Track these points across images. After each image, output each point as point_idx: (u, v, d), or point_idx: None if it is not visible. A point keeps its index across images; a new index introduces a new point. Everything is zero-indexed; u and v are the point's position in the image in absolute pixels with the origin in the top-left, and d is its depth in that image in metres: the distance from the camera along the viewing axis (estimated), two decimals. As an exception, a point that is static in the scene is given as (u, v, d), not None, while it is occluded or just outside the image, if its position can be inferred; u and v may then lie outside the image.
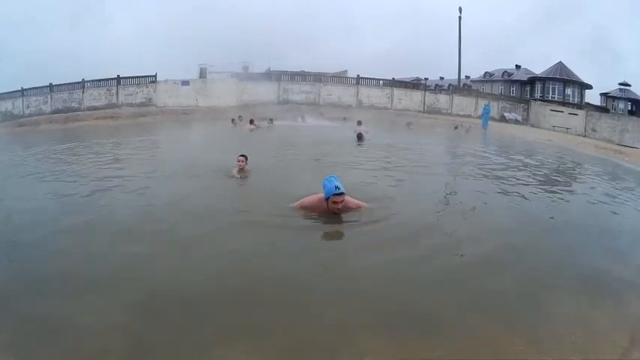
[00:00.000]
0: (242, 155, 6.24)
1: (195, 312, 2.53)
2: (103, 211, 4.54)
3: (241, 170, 6.14)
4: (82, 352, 2.14)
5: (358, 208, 4.34)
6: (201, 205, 4.77)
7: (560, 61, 30.16)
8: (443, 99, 25.60)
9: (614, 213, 5.32)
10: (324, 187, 4.12)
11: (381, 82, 25.28)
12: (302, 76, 24.74)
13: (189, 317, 2.47)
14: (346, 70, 26.08)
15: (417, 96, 25.28)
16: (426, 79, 30.79)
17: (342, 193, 4.01)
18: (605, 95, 31.47)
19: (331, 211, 4.10)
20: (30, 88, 22.20)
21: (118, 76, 22.90)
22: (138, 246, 3.54)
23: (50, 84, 22.57)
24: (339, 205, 4.04)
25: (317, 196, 4.28)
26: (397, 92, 24.97)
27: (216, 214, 4.42)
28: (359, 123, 14.12)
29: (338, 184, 4.03)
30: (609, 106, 30.66)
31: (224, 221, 4.22)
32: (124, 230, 3.92)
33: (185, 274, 3.01)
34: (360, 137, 11.42)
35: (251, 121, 15.17)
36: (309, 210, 4.31)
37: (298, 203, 4.42)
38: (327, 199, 4.07)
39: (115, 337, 2.22)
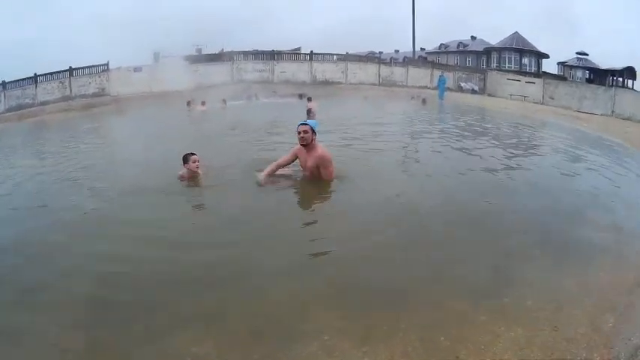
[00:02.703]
0: (192, 154, 4.51)
1: (145, 301, 2.44)
2: (40, 207, 4.24)
3: (193, 176, 4.57)
4: (38, 357, 2.06)
5: (323, 157, 4.38)
6: (144, 192, 4.47)
7: (516, 32, 30.70)
8: (398, 71, 25.82)
9: (577, 176, 5.28)
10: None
11: (335, 56, 25.40)
12: (255, 55, 24.70)
13: (139, 307, 2.39)
14: (299, 47, 26.18)
15: (371, 69, 25.45)
16: (380, 52, 31.07)
17: (305, 124, 4.39)
18: (562, 64, 32.14)
19: (300, 143, 4.43)
20: (-19, 90, 21.62)
21: (70, 67, 22.46)
22: (82, 239, 3.36)
23: (3, 82, 21.97)
24: (302, 135, 4.36)
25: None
26: (351, 66, 25.10)
27: (159, 197, 4.21)
28: (309, 99, 14.98)
29: (308, 122, 4.45)
30: (567, 75, 31.27)
31: (170, 205, 4.02)
32: (66, 226, 3.66)
33: (133, 262, 2.85)
34: (308, 112, 12.13)
35: (202, 103, 15.63)
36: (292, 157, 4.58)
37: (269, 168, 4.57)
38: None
39: (68, 337, 2.14)
